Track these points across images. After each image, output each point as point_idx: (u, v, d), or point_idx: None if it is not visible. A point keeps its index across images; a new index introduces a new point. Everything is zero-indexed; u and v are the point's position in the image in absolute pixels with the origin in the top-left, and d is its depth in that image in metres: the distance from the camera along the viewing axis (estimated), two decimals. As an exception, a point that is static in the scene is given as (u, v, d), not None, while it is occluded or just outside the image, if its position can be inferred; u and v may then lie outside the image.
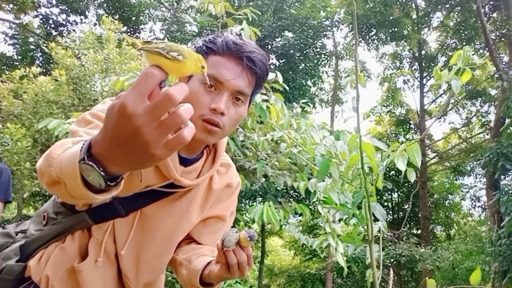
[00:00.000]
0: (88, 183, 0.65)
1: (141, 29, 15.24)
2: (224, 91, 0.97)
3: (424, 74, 16.09)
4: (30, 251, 1.06)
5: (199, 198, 1.12)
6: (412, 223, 16.58)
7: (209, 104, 0.96)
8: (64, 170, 0.68)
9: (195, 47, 1.05)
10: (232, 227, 1.11)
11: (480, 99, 15.96)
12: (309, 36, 13.92)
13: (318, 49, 14.87)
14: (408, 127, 17.86)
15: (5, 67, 12.34)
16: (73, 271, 1.02)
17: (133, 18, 14.59)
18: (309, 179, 2.46)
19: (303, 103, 3.44)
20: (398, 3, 14.62)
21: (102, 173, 0.62)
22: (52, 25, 13.71)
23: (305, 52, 14.03)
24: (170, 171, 1.02)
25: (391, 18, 14.63)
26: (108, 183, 0.64)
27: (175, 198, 1.08)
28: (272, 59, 14.24)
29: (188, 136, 0.58)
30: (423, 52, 16.11)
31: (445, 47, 16.27)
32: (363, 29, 14.89)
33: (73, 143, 0.77)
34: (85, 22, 14.20)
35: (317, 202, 2.35)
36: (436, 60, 15.98)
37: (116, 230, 1.05)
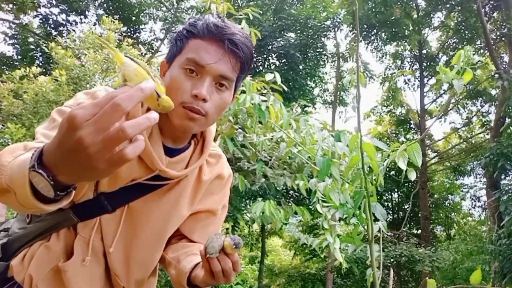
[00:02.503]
0: (38, 192, 0.62)
1: (141, 29, 15.24)
2: (206, 76, 0.93)
3: (425, 74, 16.09)
4: (13, 250, 1.01)
5: (188, 190, 1.07)
6: (412, 223, 16.57)
7: (190, 90, 0.92)
8: (14, 178, 0.65)
9: (175, 33, 1.00)
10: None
11: (480, 99, 15.94)
12: (310, 36, 13.91)
13: (319, 50, 14.87)
14: (408, 127, 17.84)
15: (5, 67, 12.34)
16: (58, 271, 0.98)
17: (133, 18, 14.59)
18: (309, 180, 2.46)
19: (301, 100, 3.42)
20: (398, 3, 14.61)
21: (52, 182, 0.60)
22: (52, 25, 13.70)
23: (305, 52, 14.03)
24: (154, 162, 0.97)
25: (391, 18, 14.63)
26: (58, 192, 0.62)
27: (164, 191, 1.04)
28: (272, 59, 14.24)
29: (131, 154, 0.56)
30: (423, 51, 16.10)
31: (445, 47, 16.26)
32: (364, 29, 14.88)
33: (24, 149, 0.74)
34: (85, 22, 14.21)
35: (316, 201, 2.35)
36: (437, 59, 15.97)
37: (103, 227, 1.00)
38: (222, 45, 0.94)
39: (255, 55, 13.45)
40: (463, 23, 14.86)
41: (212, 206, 1.14)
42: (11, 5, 12.56)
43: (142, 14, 15.05)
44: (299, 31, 13.84)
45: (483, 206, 16.46)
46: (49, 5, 13.77)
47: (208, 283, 0.93)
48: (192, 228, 1.12)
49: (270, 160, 3.25)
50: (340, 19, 14.99)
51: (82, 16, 14.10)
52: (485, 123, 16.31)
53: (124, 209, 1.01)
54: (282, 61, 13.80)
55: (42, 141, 0.80)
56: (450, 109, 16.48)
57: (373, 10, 14.48)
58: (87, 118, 0.54)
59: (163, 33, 15.36)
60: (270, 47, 13.65)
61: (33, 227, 1.01)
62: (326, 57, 15.40)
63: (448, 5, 14.97)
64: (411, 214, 15.59)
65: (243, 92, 2.65)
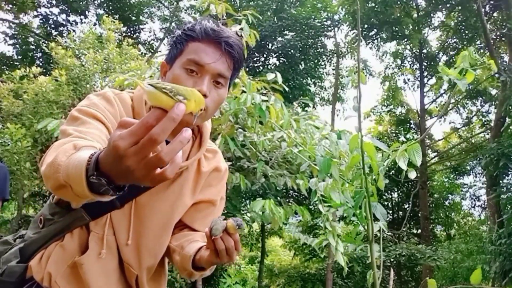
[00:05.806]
0: (93, 187, 0.71)
1: (141, 29, 15.24)
2: (205, 75, 1.04)
3: (425, 74, 16.08)
4: (30, 253, 1.08)
5: (190, 181, 1.17)
6: (412, 223, 16.56)
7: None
8: (70, 176, 0.74)
9: (174, 36, 1.10)
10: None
11: (480, 98, 15.94)
12: (310, 36, 13.89)
13: (318, 49, 14.85)
14: (408, 126, 17.84)
15: (5, 67, 12.33)
16: (75, 266, 1.05)
17: (133, 18, 14.58)
18: (309, 179, 2.45)
19: (301, 99, 3.45)
20: (398, 2, 14.59)
21: (111, 186, 0.69)
22: (52, 25, 13.69)
23: (305, 52, 14.01)
24: None
25: (392, 17, 14.62)
26: (117, 192, 0.71)
27: (167, 184, 1.12)
28: (272, 59, 14.23)
29: (170, 174, 0.66)
30: (424, 51, 16.09)
31: (445, 47, 16.25)
32: (364, 29, 14.87)
33: (74, 148, 0.82)
34: (85, 22, 14.19)
35: (317, 202, 2.35)
36: (437, 59, 15.97)
37: (114, 222, 1.08)
38: (219, 46, 1.06)
39: (255, 55, 13.47)
40: (463, 23, 14.85)
41: (211, 197, 1.24)
42: (11, 5, 12.56)
43: (141, 14, 15.03)
44: (299, 31, 13.81)
45: (483, 206, 16.48)
46: (49, 5, 13.76)
47: (213, 262, 1.02)
48: (194, 218, 1.21)
49: (271, 159, 3.25)
50: (340, 18, 14.97)
51: (82, 16, 14.08)
52: (485, 123, 16.31)
53: (132, 204, 1.09)
54: (282, 61, 13.79)
55: (80, 137, 0.89)
56: (450, 109, 16.48)
57: (374, 9, 14.47)
58: (128, 147, 0.62)
59: (162, 32, 15.35)
60: (270, 47, 13.64)
61: (47, 230, 1.08)
62: (326, 56, 15.38)
63: (448, 5, 14.97)
64: (411, 214, 15.59)
65: (244, 92, 2.65)
